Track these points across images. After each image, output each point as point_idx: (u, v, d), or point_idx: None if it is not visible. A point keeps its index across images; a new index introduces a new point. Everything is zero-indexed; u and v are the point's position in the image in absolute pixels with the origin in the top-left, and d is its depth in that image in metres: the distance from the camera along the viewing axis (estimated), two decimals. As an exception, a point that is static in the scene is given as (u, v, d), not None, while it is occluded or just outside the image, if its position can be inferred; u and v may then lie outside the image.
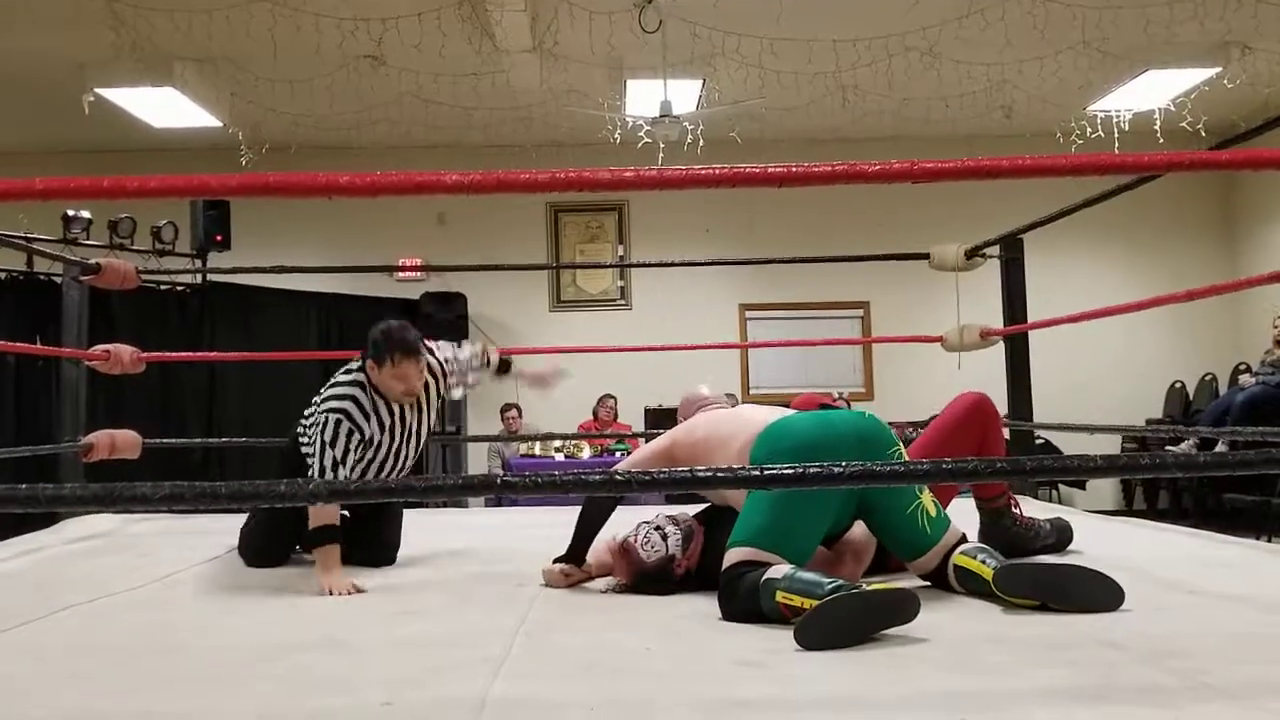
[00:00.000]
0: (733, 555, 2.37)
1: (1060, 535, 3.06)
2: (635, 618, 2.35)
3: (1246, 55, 7.03)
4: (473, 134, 8.60)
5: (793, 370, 8.83)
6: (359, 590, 2.73)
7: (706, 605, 2.39)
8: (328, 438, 2.98)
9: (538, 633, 2.22)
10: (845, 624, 2.02)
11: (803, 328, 8.34)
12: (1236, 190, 9.11)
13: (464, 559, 3.24)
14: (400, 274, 7.39)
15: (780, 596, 2.18)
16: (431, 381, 3.18)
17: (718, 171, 1.63)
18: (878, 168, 1.62)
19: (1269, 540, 6.49)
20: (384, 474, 3.12)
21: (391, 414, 3.09)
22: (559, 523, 3.38)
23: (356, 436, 3.01)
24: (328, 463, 2.97)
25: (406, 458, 3.19)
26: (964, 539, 2.49)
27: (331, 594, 2.69)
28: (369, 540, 3.13)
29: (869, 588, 2.15)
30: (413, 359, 3.00)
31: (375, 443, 3.06)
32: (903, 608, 2.08)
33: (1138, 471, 1.57)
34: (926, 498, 2.47)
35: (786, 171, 1.60)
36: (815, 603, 2.07)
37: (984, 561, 2.35)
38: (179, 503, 1.25)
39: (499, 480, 1.37)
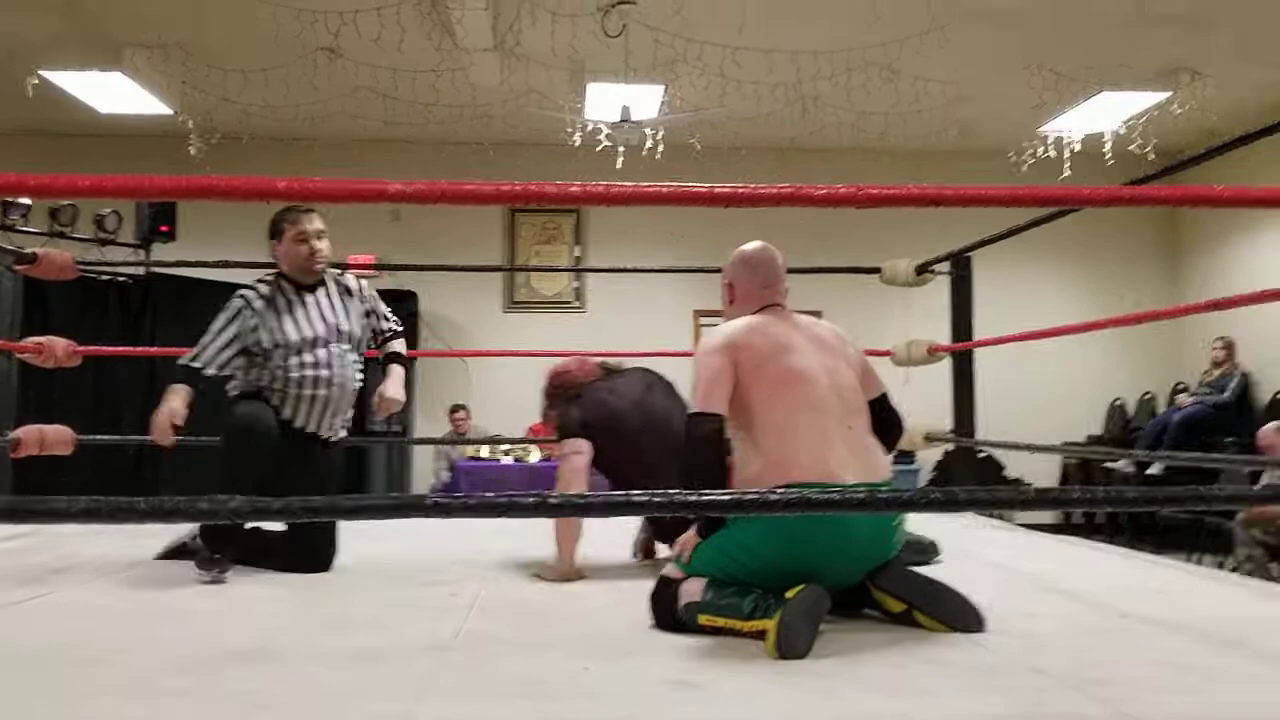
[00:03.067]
0: (669, 569, 2.40)
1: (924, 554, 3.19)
2: (574, 632, 2.34)
3: (1195, 81, 7.16)
4: (431, 130, 8.52)
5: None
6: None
7: (645, 620, 2.38)
8: (216, 322, 3.12)
9: (473, 647, 2.19)
10: (805, 629, 2.11)
11: (755, 335, 8.32)
12: (1181, 213, 9.28)
13: (403, 566, 3.20)
14: (350, 270, 7.30)
15: (704, 619, 2.27)
16: (351, 288, 3.28)
17: (664, 190, 1.63)
18: (824, 192, 1.62)
19: (1199, 559, 6.62)
20: (303, 372, 3.12)
21: (300, 300, 3.16)
22: (503, 529, 3.37)
23: (246, 314, 3.11)
24: (205, 339, 3.08)
25: (329, 360, 3.17)
26: None
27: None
28: (303, 545, 3.07)
29: (790, 595, 2.18)
30: (306, 214, 3.15)
31: (271, 328, 3.10)
32: (823, 602, 2.19)
33: (1068, 505, 1.58)
34: None
35: (732, 193, 1.60)
36: (741, 622, 2.20)
37: None
38: (95, 519, 1.21)
39: (431, 502, 1.35)
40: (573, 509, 1.41)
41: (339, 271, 3.36)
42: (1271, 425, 6.12)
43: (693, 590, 2.30)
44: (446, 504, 1.35)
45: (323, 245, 3.19)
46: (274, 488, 2.91)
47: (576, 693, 1.86)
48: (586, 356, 3.34)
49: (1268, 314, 6.97)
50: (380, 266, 7.30)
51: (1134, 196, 1.74)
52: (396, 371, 3.33)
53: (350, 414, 3.33)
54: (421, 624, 2.42)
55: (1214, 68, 7.01)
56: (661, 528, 3.13)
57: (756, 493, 1.42)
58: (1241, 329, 7.96)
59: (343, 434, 3.33)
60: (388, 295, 8.04)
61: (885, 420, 2.57)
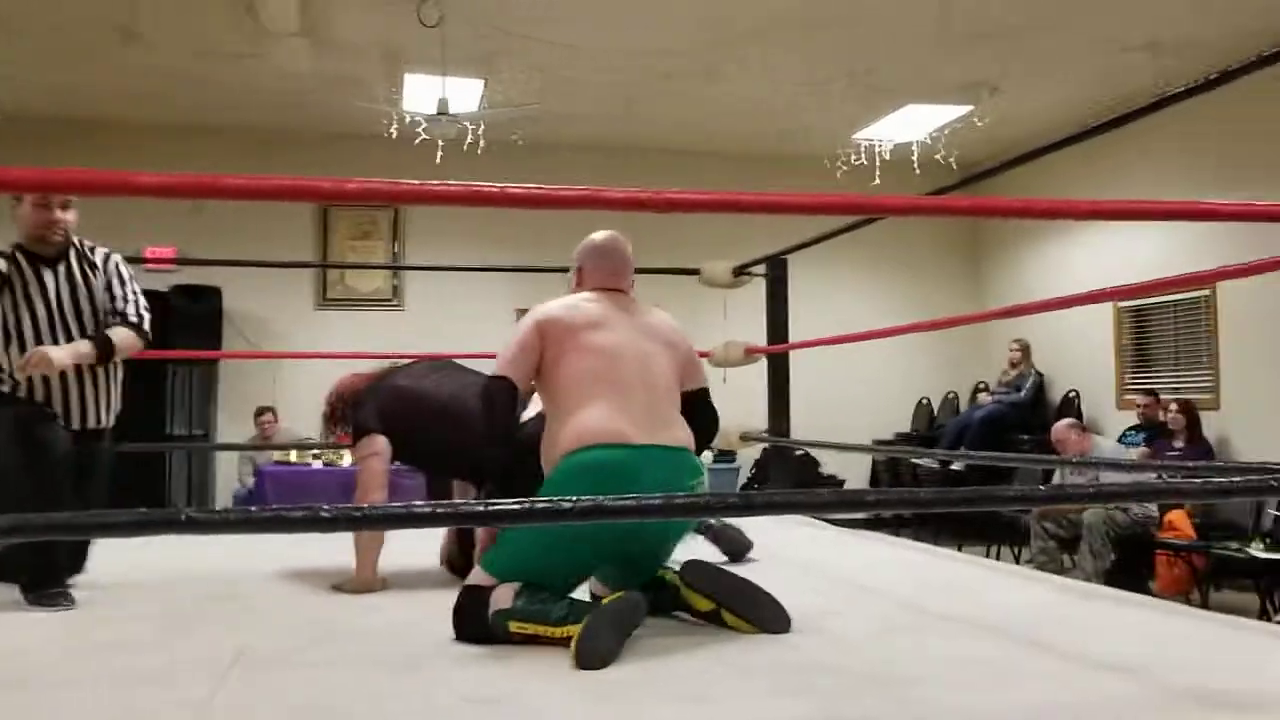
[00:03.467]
0: (475, 576, 2.34)
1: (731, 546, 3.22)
2: (370, 651, 2.22)
3: (994, 96, 7.53)
4: (241, 118, 8.11)
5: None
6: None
7: (446, 632, 2.28)
8: None
9: (256, 667, 2.05)
10: (608, 638, 2.08)
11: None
12: (982, 220, 9.77)
13: (194, 577, 3.00)
14: (148, 265, 6.84)
15: (515, 627, 2.21)
16: (96, 262, 2.96)
17: (454, 188, 1.54)
18: (621, 195, 1.59)
19: (997, 551, 6.98)
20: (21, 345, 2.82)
21: (37, 278, 2.86)
22: (303, 539, 3.19)
23: None
24: None
25: (53, 334, 2.86)
26: None
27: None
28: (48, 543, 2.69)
29: (604, 601, 2.18)
30: None
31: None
32: (638, 610, 2.18)
33: (866, 508, 1.58)
34: None
35: (526, 193, 1.53)
36: (551, 628, 2.16)
37: (669, 567, 2.46)
38: None
39: (184, 518, 1.22)
40: (348, 523, 1.31)
41: (87, 246, 3.01)
42: (1063, 422, 6.49)
43: (503, 597, 2.23)
44: (202, 520, 1.22)
45: (67, 216, 2.90)
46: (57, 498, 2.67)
47: (365, 716, 1.75)
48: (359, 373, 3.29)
49: (1059, 317, 7.39)
50: (181, 261, 6.87)
51: (933, 206, 1.76)
52: (79, 343, 2.83)
53: (117, 400, 3.00)
54: (203, 642, 2.26)
55: (1011, 84, 7.38)
56: (466, 539, 3.03)
57: (548, 501, 1.35)
58: (1036, 331, 8.43)
59: (109, 421, 2.99)
60: (188, 291, 7.66)
61: (700, 415, 2.60)
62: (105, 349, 2.85)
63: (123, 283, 2.99)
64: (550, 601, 2.20)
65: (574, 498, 1.34)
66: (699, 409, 2.60)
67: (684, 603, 2.39)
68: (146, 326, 2.99)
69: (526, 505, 1.38)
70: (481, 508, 1.34)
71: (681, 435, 2.43)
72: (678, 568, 2.43)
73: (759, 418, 4.82)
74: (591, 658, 2.03)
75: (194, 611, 2.61)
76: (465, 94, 7.10)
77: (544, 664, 2.05)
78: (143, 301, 3.02)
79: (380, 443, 2.95)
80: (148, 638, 2.32)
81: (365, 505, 1.44)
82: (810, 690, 1.88)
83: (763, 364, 4.75)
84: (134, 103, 7.77)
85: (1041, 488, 1.80)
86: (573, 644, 2.05)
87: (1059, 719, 1.75)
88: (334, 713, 1.76)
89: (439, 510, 1.32)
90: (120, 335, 2.90)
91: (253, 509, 1.29)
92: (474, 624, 2.25)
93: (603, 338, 2.44)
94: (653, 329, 2.55)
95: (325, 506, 1.27)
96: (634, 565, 2.43)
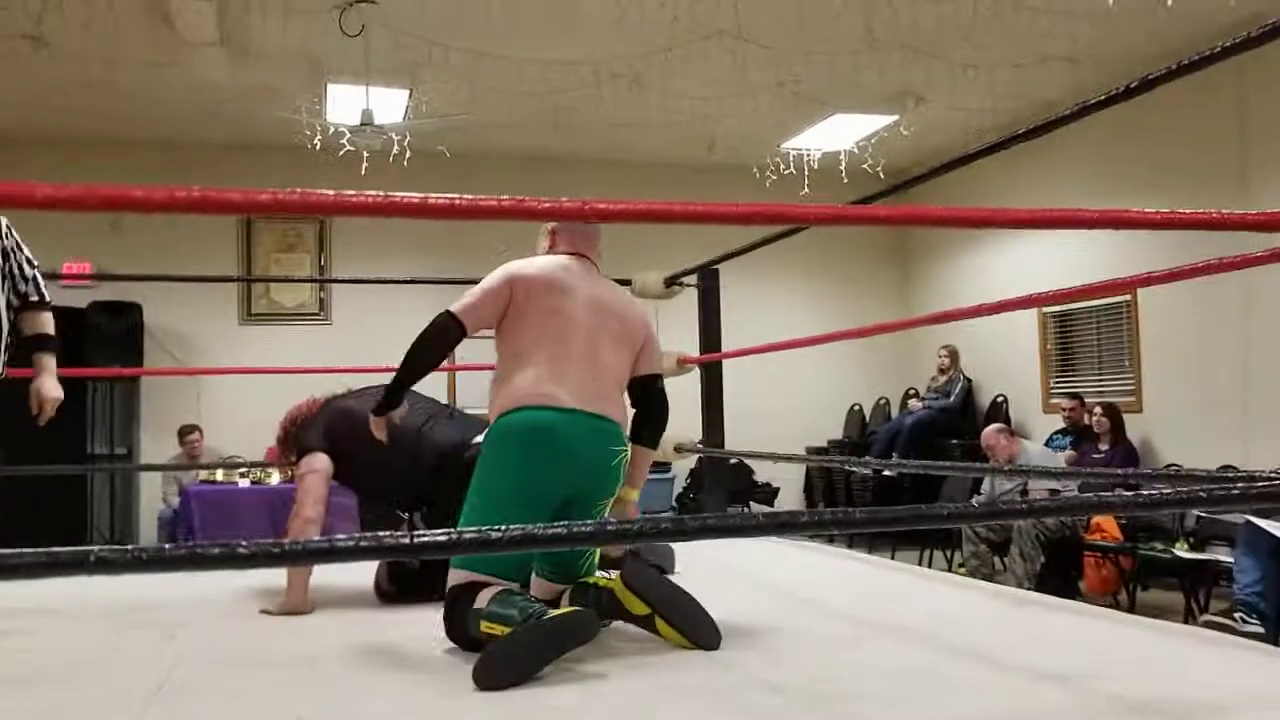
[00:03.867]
0: (453, 577, 2.33)
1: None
2: (298, 675, 2.15)
3: (920, 105, 7.64)
4: (157, 129, 7.90)
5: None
6: None
7: (374, 654, 2.22)
8: None
9: (176, 699, 1.98)
10: (525, 657, 2.04)
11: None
12: (909, 228, 9.91)
13: (108, 605, 2.88)
14: (64, 281, 6.60)
15: (484, 627, 2.18)
16: None
17: (373, 200, 1.48)
18: (548, 205, 1.54)
19: (930, 556, 7.05)
20: None
21: None
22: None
23: None
24: None
25: None
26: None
27: None
28: None
29: (550, 614, 2.14)
30: None
31: None
32: (583, 628, 2.12)
33: (796, 529, 1.57)
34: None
35: (449, 204, 1.48)
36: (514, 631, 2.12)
37: (609, 575, 2.46)
38: None
39: (91, 559, 1.15)
40: (267, 559, 1.25)
41: None
42: (992, 427, 6.58)
43: (484, 598, 2.23)
44: (113, 560, 1.16)
45: None
46: None
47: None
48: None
49: (985, 323, 7.51)
50: (98, 277, 6.67)
51: (838, 215, 1.76)
52: (48, 363, 2.92)
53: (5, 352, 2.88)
54: (123, 672, 2.19)
55: (935, 93, 7.49)
56: (403, 574, 2.98)
57: (475, 531, 1.31)
58: (964, 338, 8.56)
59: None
60: (107, 307, 7.43)
61: (652, 400, 2.64)
62: (58, 349, 2.92)
63: (20, 249, 2.90)
64: (519, 605, 2.18)
65: (503, 527, 1.30)
66: (651, 395, 2.63)
67: (619, 605, 2.36)
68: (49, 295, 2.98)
69: (454, 536, 1.34)
70: (407, 539, 1.29)
71: (612, 410, 2.47)
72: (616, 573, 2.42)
73: (693, 428, 4.81)
74: (487, 680, 1.99)
75: (114, 639, 2.52)
76: (390, 104, 7.00)
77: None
78: (38, 266, 2.95)
79: (321, 460, 2.94)
80: (65, 669, 2.23)
81: (286, 540, 1.39)
82: (748, 711, 1.85)
83: (696, 374, 4.74)
84: (43, 114, 7.53)
85: (976, 504, 1.83)
86: (476, 662, 2.02)
87: (996, 733, 1.75)
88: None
89: (362, 543, 1.27)
90: (51, 323, 2.92)
91: (166, 546, 1.23)
92: (456, 627, 2.28)
93: (562, 304, 2.47)
94: (611, 306, 2.56)
95: (243, 542, 1.21)
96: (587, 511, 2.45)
